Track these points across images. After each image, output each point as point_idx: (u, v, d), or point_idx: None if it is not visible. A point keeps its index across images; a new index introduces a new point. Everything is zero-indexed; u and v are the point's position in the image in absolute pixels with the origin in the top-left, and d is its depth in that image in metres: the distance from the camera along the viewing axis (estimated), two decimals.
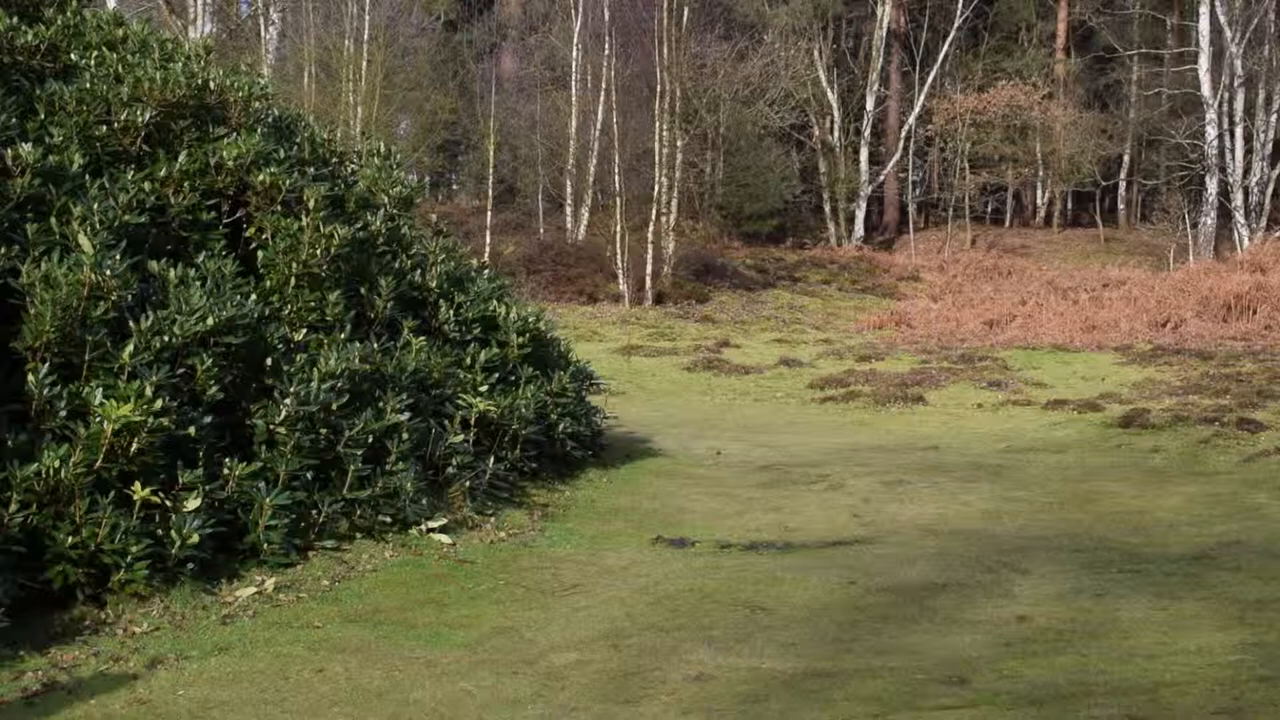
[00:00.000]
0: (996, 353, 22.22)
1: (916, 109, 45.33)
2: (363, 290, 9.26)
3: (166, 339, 7.04)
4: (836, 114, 44.35)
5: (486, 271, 11.72)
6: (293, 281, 8.48)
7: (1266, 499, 9.72)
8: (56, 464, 6.17)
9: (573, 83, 37.38)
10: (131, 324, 6.91)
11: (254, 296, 7.97)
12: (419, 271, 10.12)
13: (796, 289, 35.47)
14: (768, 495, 10.43)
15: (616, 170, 33.18)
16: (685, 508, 9.88)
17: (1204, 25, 39.00)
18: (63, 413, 6.45)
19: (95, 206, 7.25)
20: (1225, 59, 38.42)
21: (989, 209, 49.82)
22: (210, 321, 7.27)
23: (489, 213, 35.50)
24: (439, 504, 8.76)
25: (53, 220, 7.03)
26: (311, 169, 9.60)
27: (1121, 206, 50.07)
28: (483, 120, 38.50)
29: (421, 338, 9.38)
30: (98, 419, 6.40)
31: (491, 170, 37.12)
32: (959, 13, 45.73)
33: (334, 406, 7.89)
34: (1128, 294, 28.05)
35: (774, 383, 19.85)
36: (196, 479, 6.88)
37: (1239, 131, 38.91)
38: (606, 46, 34.26)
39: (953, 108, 44.76)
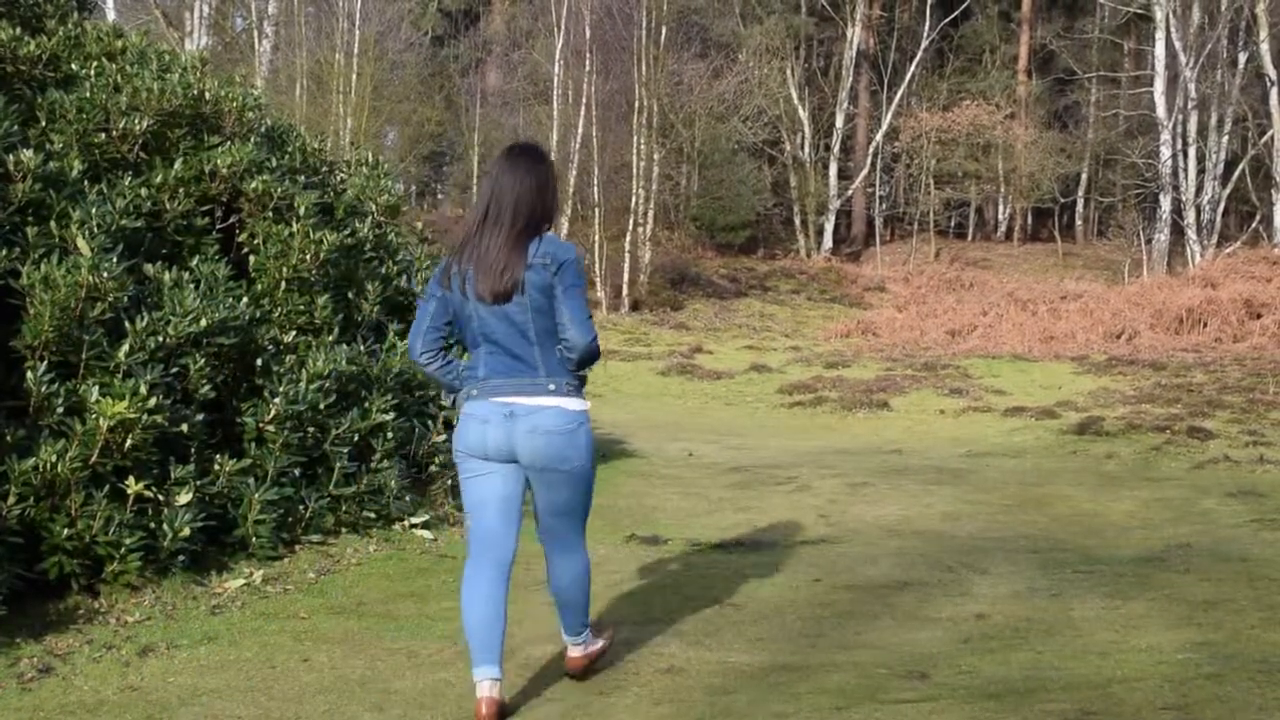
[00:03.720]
0: (958, 361, 22.27)
1: (884, 127, 45.51)
2: (350, 294, 9.25)
3: (161, 339, 7.02)
4: (807, 130, 44.45)
5: None
6: (283, 285, 8.46)
7: (1215, 504, 9.76)
8: (54, 459, 6.15)
9: (554, 97, 37.40)
10: (127, 324, 6.89)
11: (245, 299, 7.95)
12: (404, 277, 10.11)
13: (767, 298, 35.55)
14: (738, 496, 10.44)
15: (596, 182, 33.20)
16: (658, 507, 9.89)
17: (1159, 50, 39.19)
18: (60, 409, 6.43)
19: (94, 211, 7.22)
20: (1179, 82, 38.62)
21: (952, 223, 49.96)
22: (203, 323, 7.26)
23: None
24: (421, 501, 8.76)
25: (52, 224, 7.01)
26: (302, 177, 9.59)
27: (1079, 222, 50.30)
28: (467, 132, 38.52)
29: (406, 341, 9.36)
30: (94, 415, 6.39)
31: (475, 181, 37.10)
32: (925, 35, 45.99)
33: (321, 406, 7.88)
34: (1084, 306, 28.12)
35: (745, 388, 19.88)
36: (188, 474, 6.87)
37: (1192, 152, 39.10)
38: (587, 63, 34.26)
39: (919, 126, 44.95)
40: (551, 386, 4.85)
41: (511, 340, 4.85)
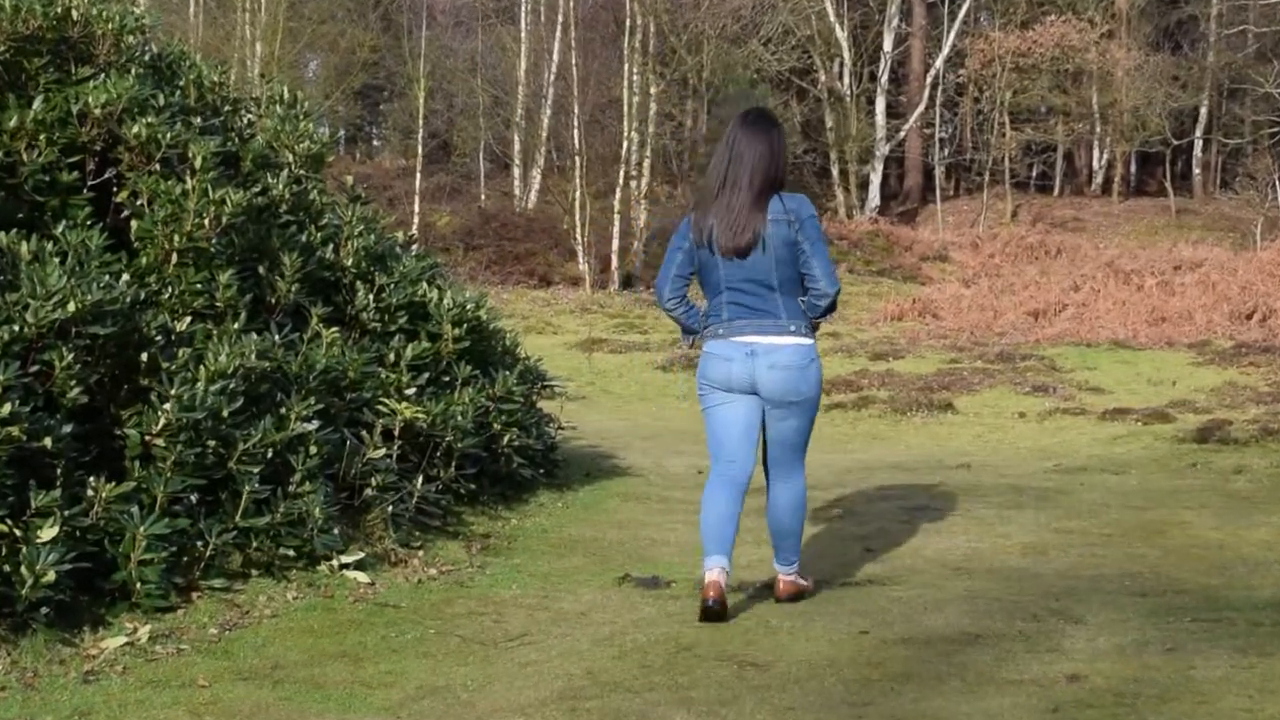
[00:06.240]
0: (1043, 350, 22.31)
1: (945, 50, 45.50)
2: (261, 270, 9.23)
3: (17, 329, 7.00)
4: (847, 56, 44.47)
5: (415, 247, 11.70)
6: (175, 258, 8.45)
7: None
8: None
9: (522, 15, 37.45)
10: None
11: (126, 276, 7.93)
12: (331, 247, 10.10)
13: None
14: (760, 524, 10.38)
15: (575, 123, 33.19)
16: (658, 539, 9.88)
17: None
18: None
19: None
20: None
21: (1034, 173, 50.00)
22: (71, 307, 7.23)
23: (418, 175, 35.55)
24: (354, 534, 8.74)
25: None
26: (198, 119, 9.56)
27: (1197, 171, 50.27)
28: (411, 61, 38.48)
29: (334, 329, 9.36)
30: None
31: (421, 122, 37.14)
32: None
33: (225, 413, 7.85)
34: (1204, 278, 28.14)
35: None
36: (53, 502, 6.83)
37: None
38: None
39: (990, 49, 44.89)
40: (792, 328, 7.06)
41: (754, 288, 7.04)
